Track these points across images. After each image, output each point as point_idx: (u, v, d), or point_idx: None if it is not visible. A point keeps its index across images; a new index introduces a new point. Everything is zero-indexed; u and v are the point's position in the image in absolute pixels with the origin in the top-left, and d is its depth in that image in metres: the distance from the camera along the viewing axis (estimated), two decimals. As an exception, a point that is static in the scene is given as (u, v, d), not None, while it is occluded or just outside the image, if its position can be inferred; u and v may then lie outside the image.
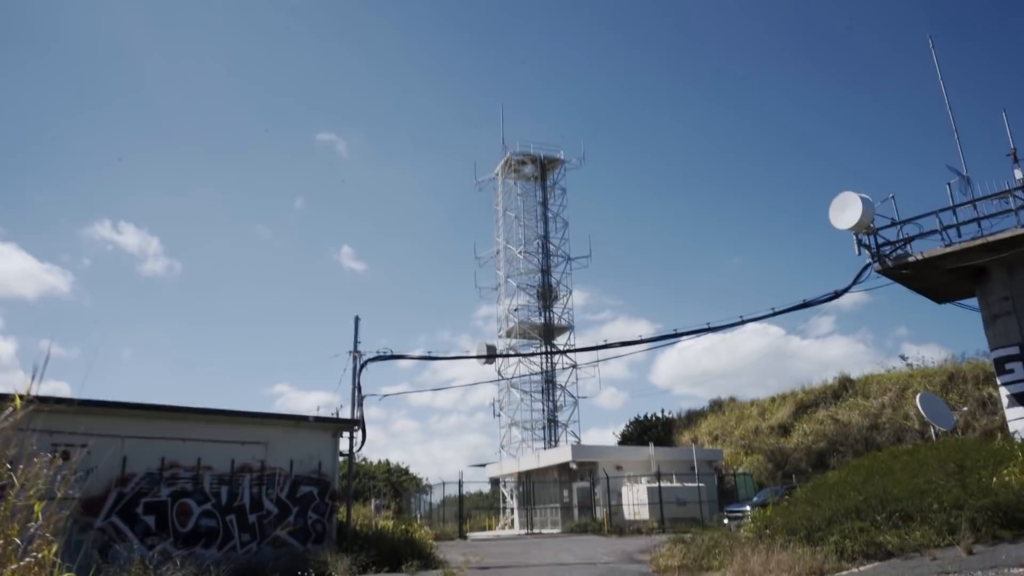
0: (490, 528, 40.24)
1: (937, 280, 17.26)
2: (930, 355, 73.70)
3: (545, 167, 48.37)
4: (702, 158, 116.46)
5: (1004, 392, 16.46)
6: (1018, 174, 15.73)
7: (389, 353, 18.98)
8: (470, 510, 39.25)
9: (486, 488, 47.91)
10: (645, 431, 44.43)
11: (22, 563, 4.17)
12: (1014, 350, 15.94)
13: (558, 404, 44.88)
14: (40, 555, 4.35)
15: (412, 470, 52.69)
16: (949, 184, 16.01)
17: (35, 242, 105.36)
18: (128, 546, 13.17)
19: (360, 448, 18.36)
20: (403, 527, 18.24)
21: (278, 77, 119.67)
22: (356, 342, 18.84)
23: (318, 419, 16.79)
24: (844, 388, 39.23)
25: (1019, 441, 14.81)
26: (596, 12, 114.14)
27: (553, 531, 32.47)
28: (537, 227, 47.22)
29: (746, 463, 37.27)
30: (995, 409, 30.35)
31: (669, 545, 15.65)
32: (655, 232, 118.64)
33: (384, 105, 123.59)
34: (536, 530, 33.67)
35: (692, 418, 46.21)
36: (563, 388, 45.33)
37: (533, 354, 44.22)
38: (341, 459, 17.39)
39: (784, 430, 38.98)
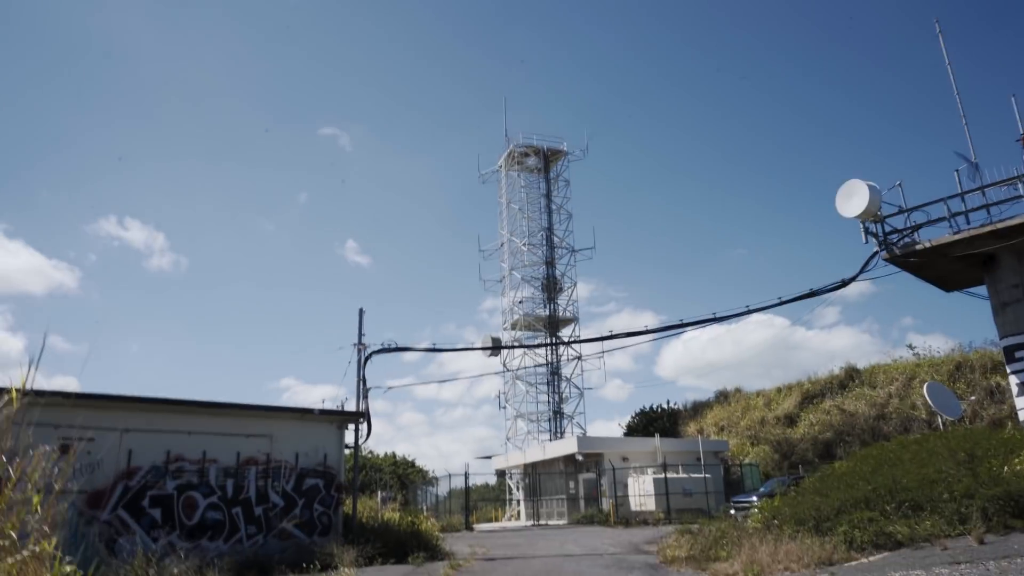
0: (496, 520, 40.27)
1: (945, 268, 17.08)
2: (936, 345, 73.44)
3: (548, 159, 48.17)
4: (706, 149, 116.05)
5: (1014, 380, 16.30)
6: (1028, 160, 15.56)
7: (394, 345, 18.91)
8: (476, 502, 39.29)
9: (492, 480, 48.02)
10: (651, 422, 44.36)
11: (18, 557, 4.09)
12: (1024, 338, 15.77)
13: (563, 396, 44.86)
14: (38, 548, 4.28)
15: (418, 463, 52.73)
16: (957, 171, 15.82)
17: (42, 239, 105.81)
18: (134, 539, 13.16)
19: (366, 440, 18.33)
20: (409, 519, 18.21)
21: (281, 72, 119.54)
22: (360, 334, 18.79)
23: (323, 411, 16.74)
24: (850, 378, 39.08)
25: (1029, 430, 14.67)
26: (598, 2, 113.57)
27: (559, 522, 32.47)
28: (541, 219, 47.08)
29: (752, 454, 37.19)
30: (1003, 398, 30.17)
31: (676, 536, 15.58)
32: (659, 224, 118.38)
33: (387, 99, 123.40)
34: (542, 521, 33.67)
35: (698, 409, 46.14)
36: (568, 380, 45.30)
37: (538, 345, 44.19)
38: (347, 452, 17.35)
39: (790, 421, 38.87)
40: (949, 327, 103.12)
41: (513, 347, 43.63)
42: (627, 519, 28.74)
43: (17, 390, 4.65)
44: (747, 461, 35.78)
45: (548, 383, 44.83)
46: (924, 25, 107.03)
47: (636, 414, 47.51)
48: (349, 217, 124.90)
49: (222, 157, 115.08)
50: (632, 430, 45.52)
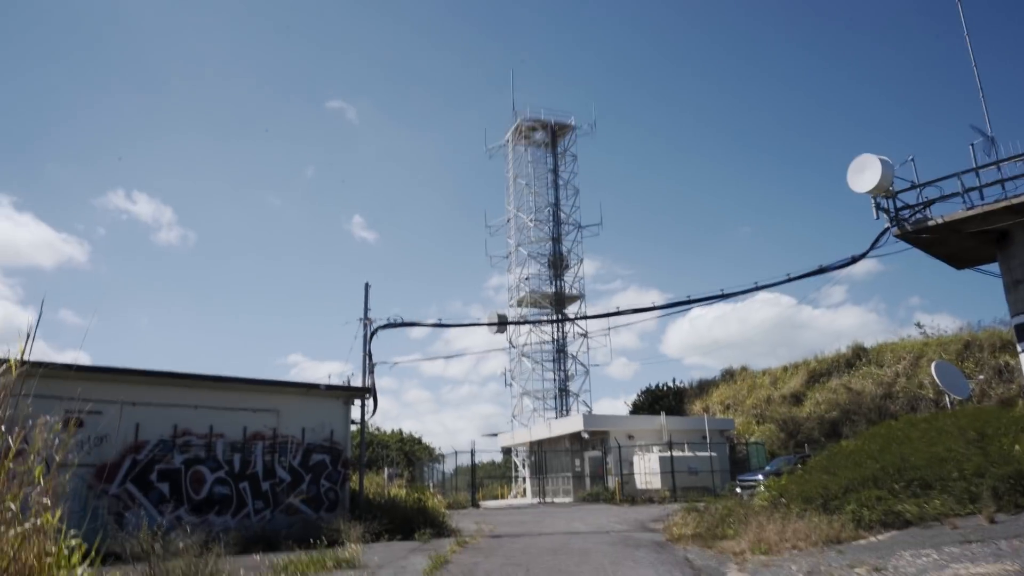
0: (502, 497, 40.52)
1: (957, 245, 16.83)
2: (943, 324, 73.10)
3: (556, 133, 47.76)
4: (714, 125, 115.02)
5: (1025, 359, 16.13)
6: (1045, 135, 15.23)
7: (400, 320, 18.85)
8: (482, 479, 39.50)
9: (498, 457, 48.24)
10: (656, 400, 44.41)
11: (19, 529, 4.04)
12: (1036, 317, 15.57)
13: (569, 374, 44.90)
14: (40, 521, 4.23)
15: (425, 439, 53.08)
16: (972, 145, 15.50)
17: (51, 212, 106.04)
18: (142, 513, 13.21)
19: (372, 416, 18.35)
20: (416, 495, 18.28)
21: (288, 45, 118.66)
22: (367, 309, 18.74)
23: (329, 387, 16.74)
24: (857, 357, 38.96)
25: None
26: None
27: (565, 500, 32.63)
28: (548, 195, 46.80)
29: (758, 432, 37.19)
30: (1012, 377, 30.02)
31: (682, 514, 15.58)
32: (666, 201, 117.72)
33: (394, 73, 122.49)
34: (548, 499, 33.84)
35: (704, 387, 46.13)
36: (574, 358, 45.31)
37: (544, 321, 44.13)
38: (353, 427, 17.37)
39: (796, 399, 38.83)
40: (956, 306, 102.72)
41: (519, 323, 43.61)
42: (632, 497, 28.84)
43: (16, 360, 4.59)
44: (753, 440, 35.81)
45: (554, 360, 44.86)
46: None
47: (642, 392, 47.61)
48: (356, 192, 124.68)
49: (228, 132, 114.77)
50: (638, 408, 45.59)
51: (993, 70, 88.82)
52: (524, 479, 40.82)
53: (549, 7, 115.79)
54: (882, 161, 15.60)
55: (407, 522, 15.29)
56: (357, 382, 18.46)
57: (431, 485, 36.96)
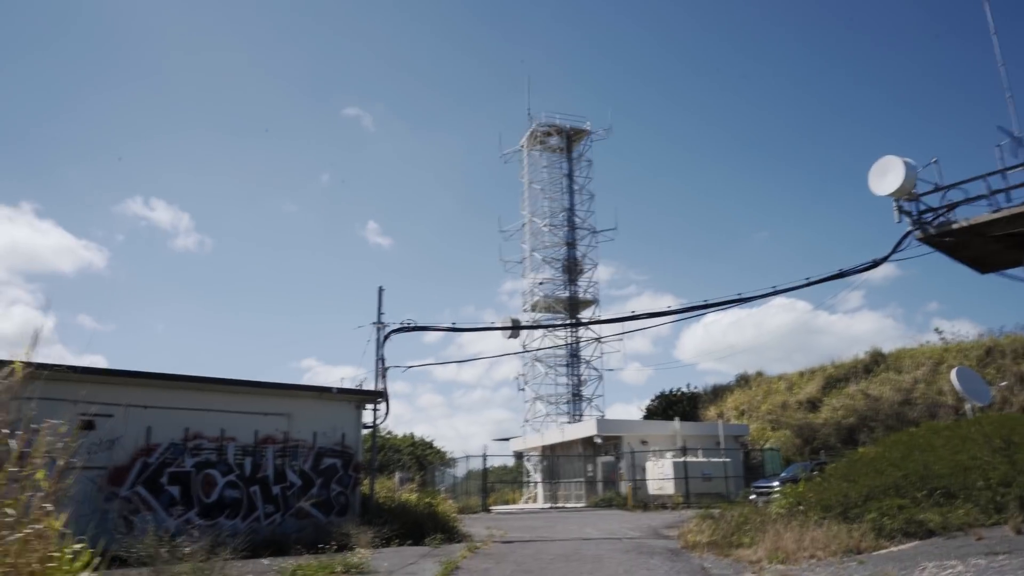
0: (514, 502, 40.30)
1: (982, 248, 16.45)
2: (963, 330, 72.10)
3: (571, 138, 47.59)
4: (730, 130, 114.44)
5: (1050, 366, 15.79)
6: (1072, 137, 14.87)
7: (413, 324, 18.72)
8: (494, 484, 39.32)
9: (510, 462, 48.04)
10: (670, 406, 44.03)
11: (19, 534, 3.92)
12: (1062, 322, 15.24)
13: (582, 378, 44.64)
14: (42, 526, 4.12)
15: (437, 444, 52.96)
16: (999, 146, 15.13)
17: (72, 219, 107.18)
18: (153, 516, 13.15)
19: (384, 420, 18.19)
20: (427, 500, 18.11)
21: (303, 52, 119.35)
22: (380, 313, 18.62)
23: (341, 390, 16.64)
24: (876, 363, 38.46)
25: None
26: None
27: (577, 505, 32.38)
28: (563, 199, 46.63)
29: (773, 438, 36.74)
30: (1034, 385, 29.50)
31: (697, 521, 15.32)
32: (681, 206, 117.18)
33: (409, 79, 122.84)
34: (560, 504, 33.60)
35: (718, 393, 45.71)
36: (587, 362, 45.05)
37: (558, 325, 43.89)
38: (365, 431, 17.26)
39: (812, 405, 38.36)
40: (976, 312, 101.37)
41: (533, 327, 43.37)
42: (645, 503, 28.57)
43: (21, 363, 4.49)
44: (768, 446, 35.38)
45: (567, 365, 44.63)
46: None
47: (655, 397, 47.21)
48: (370, 198, 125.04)
49: (244, 138, 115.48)
50: (651, 413, 45.22)
51: (1020, 70, 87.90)
52: (536, 484, 40.58)
53: (565, 11, 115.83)
54: (905, 163, 15.31)
55: (418, 527, 15.14)
56: (370, 386, 18.34)
57: (442, 490, 36.82)
